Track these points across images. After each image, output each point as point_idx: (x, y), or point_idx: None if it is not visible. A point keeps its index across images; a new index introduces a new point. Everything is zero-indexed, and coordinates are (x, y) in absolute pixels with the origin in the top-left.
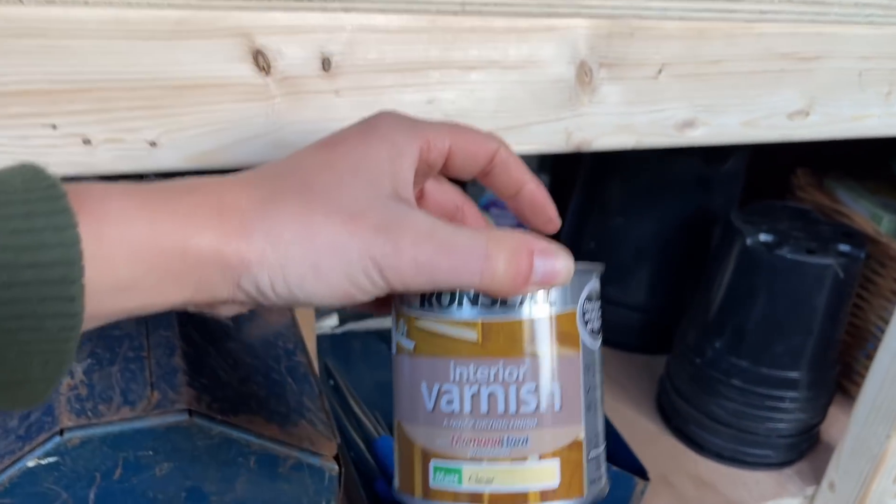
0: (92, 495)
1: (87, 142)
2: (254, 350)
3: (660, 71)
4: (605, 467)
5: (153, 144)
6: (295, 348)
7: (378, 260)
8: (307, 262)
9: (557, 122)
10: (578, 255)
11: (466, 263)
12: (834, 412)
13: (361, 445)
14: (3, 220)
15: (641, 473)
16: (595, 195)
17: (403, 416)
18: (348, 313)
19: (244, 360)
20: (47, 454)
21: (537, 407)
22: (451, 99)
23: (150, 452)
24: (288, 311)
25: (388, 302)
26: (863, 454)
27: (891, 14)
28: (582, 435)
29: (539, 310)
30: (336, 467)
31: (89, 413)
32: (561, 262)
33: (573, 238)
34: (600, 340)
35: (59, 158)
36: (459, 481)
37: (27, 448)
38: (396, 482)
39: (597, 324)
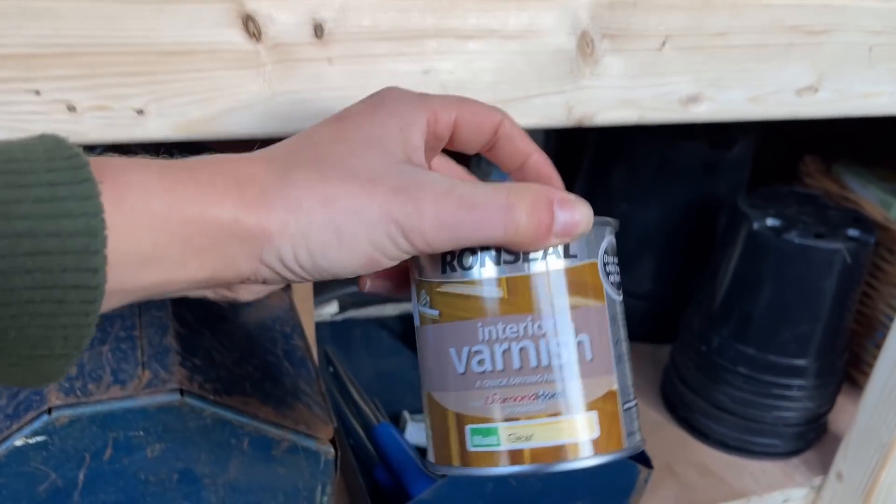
0: (81, 476)
1: (71, 109)
2: (250, 333)
3: (664, 43)
4: (638, 421)
5: (140, 112)
6: (292, 332)
7: (400, 220)
8: (329, 228)
9: (558, 95)
10: None
11: (490, 216)
12: (842, 402)
13: (361, 433)
14: (26, 189)
15: (645, 461)
16: (599, 182)
17: (433, 386)
18: (348, 300)
19: (239, 342)
20: (35, 433)
21: (569, 359)
22: (448, 69)
23: (141, 433)
24: (286, 295)
25: (406, 282)
26: (871, 443)
27: None
28: (615, 385)
29: (562, 262)
30: (332, 451)
31: (78, 392)
32: (581, 211)
33: None
34: (622, 295)
35: (43, 126)
36: (498, 442)
37: (15, 427)
38: (431, 456)
39: (617, 278)
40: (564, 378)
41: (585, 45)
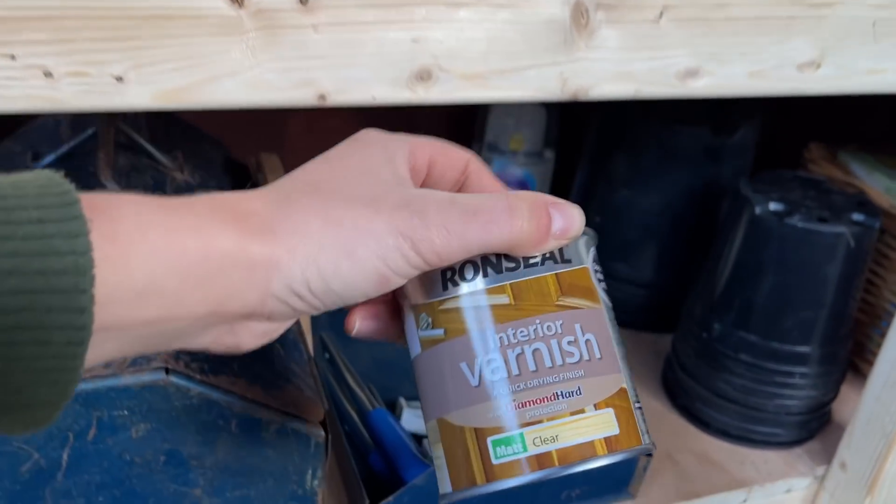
0: (65, 456)
1: (48, 74)
2: None
3: (661, 14)
4: (647, 423)
5: (119, 79)
6: None
7: (408, 234)
8: (339, 248)
9: (552, 67)
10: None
11: (495, 221)
12: (846, 391)
13: (356, 419)
14: (15, 226)
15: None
16: (600, 168)
17: (445, 409)
18: None
19: None
20: None
21: (580, 357)
22: (438, 38)
23: (126, 412)
24: None
25: (393, 322)
26: (876, 433)
27: None
28: (625, 383)
29: (560, 266)
30: (323, 433)
31: None
32: (573, 213)
33: None
34: (611, 303)
35: (19, 92)
36: (524, 448)
37: None
38: (447, 486)
39: (605, 285)
40: (580, 376)
41: (580, 15)
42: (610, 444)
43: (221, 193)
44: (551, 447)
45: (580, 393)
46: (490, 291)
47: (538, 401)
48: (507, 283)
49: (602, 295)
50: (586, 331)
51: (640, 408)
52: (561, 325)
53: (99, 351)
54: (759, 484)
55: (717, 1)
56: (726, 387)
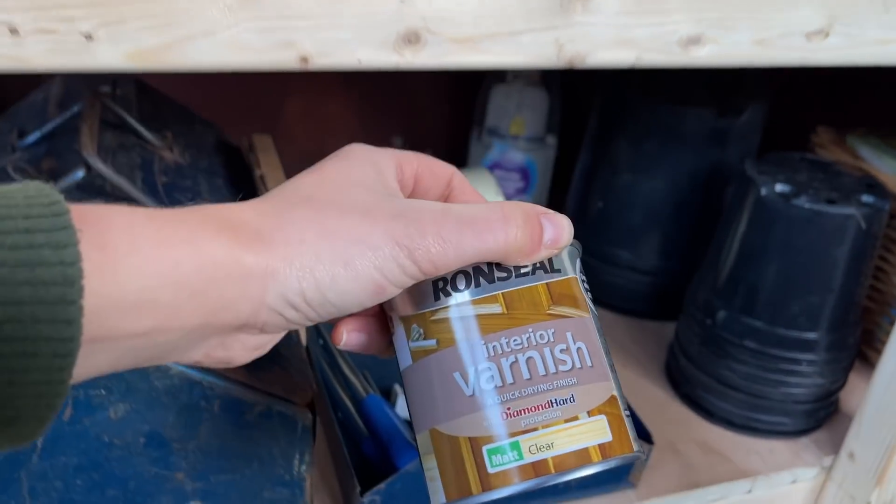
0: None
1: (14, 31)
2: None
3: None
4: (633, 428)
5: (89, 38)
6: None
7: (405, 243)
8: (335, 258)
9: (547, 32)
10: (586, 215)
11: (489, 229)
12: (854, 380)
13: (350, 406)
14: (2, 235)
15: (645, 437)
16: (603, 152)
17: (437, 419)
18: None
19: None
20: None
21: (573, 365)
22: None
23: (103, 391)
24: None
25: (380, 335)
26: (885, 422)
27: None
28: (615, 391)
29: (549, 276)
30: (310, 416)
31: None
32: (563, 223)
33: (580, 198)
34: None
35: None
36: (520, 456)
37: None
38: (441, 496)
39: (591, 295)
40: (573, 383)
41: None
42: (604, 450)
43: (213, 205)
44: (547, 454)
45: (573, 400)
46: (482, 301)
47: (533, 409)
48: (499, 292)
49: (589, 305)
50: (577, 339)
51: (629, 415)
52: (553, 333)
53: (88, 364)
54: (764, 474)
55: None
56: (731, 374)
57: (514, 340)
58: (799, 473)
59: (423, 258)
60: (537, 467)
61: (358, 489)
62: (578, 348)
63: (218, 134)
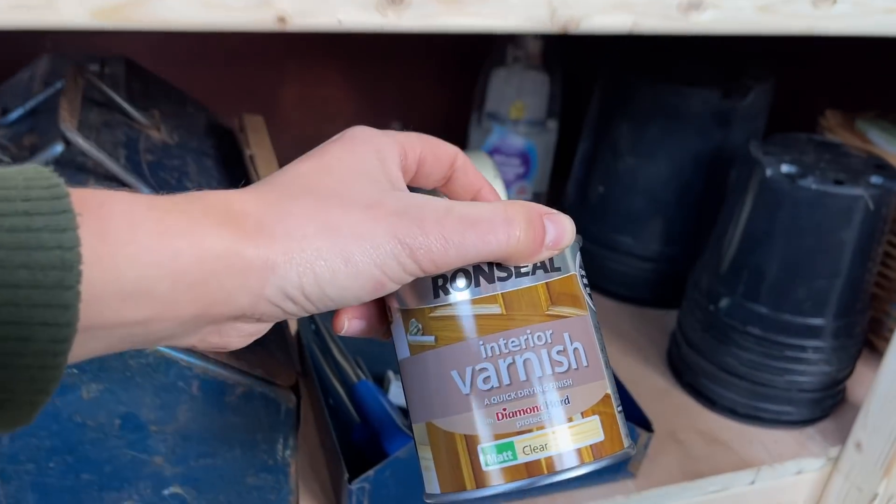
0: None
1: None
2: None
3: None
4: (626, 423)
5: None
6: None
7: (407, 241)
8: (337, 254)
9: None
10: (587, 201)
11: (492, 230)
12: (862, 369)
13: (341, 392)
14: (0, 217)
15: (644, 425)
16: (604, 135)
17: (434, 414)
18: None
19: None
20: None
21: (569, 366)
22: None
23: (75, 370)
24: None
25: (379, 322)
26: (893, 411)
27: None
28: (609, 389)
29: (549, 275)
30: (294, 399)
31: None
32: (565, 223)
33: (581, 183)
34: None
35: None
36: (514, 456)
37: None
38: (435, 487)
39: (589, 290)
40: (568, 385)
41: None
42: (596, 450)
43: (213, 192)
44: (540, 455)
45: (568, 402)
46: (482, 301)
47: (528, 410)
48: (499, 292)
49: (588, 301)
50: (574, 339)
51: (621, 412)
52: (551, 334)
53: (83, 348)
54: (768, 464)
55: None
56: (734, 362)
57: (512, 342)
58: (804, 464)
59: (425, 257)
60: (530, 468)
61: (346, 476)
62: (575, 349)
63: (210, 116)
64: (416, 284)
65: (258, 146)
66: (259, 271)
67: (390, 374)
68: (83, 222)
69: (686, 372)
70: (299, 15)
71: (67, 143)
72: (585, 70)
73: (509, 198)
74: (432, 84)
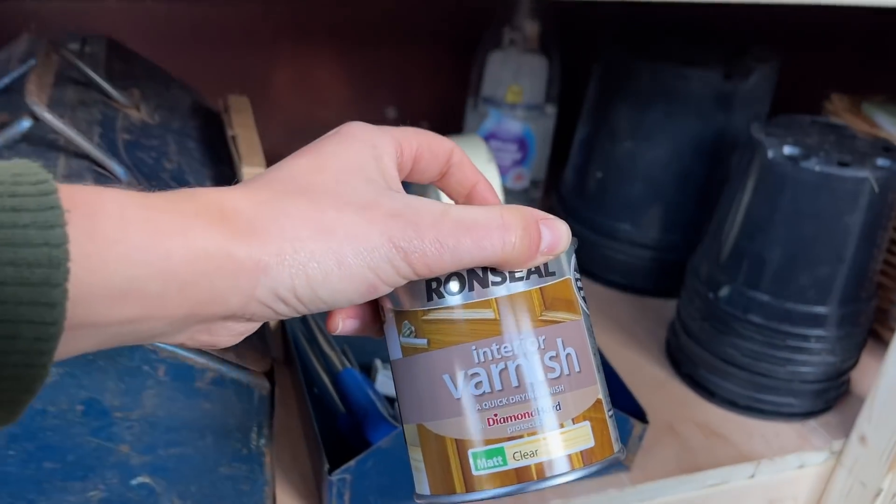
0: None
1: None
2: None
3: None
4: (617, 427)
5: None
6: None
7: (401, 245)
8: (330, 256)
9: None
10: (585, 187)
11: (488, 236)
12: (867, 360)
13: (327, 381)
14: None
15: (639, 416)
16: (603, 119)
17: (425, 416)
18: None
19: None
20: None
21: (561, 372)
22: None
23: None
24: None
25: (373, 320)
26: None
27: None
28: (601, 394)
29: (543, 280)
30: (267, 385)
31: None
32: (561, 229)
33: (579, 169)
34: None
35: None
36: (504, 461)
37: None
38: (425, 488)
39: (583, 292)
40: (559, 391)
41: None
42: (586, 456)
43: (206, 189)
44: (531, 462)
45: (560, 408)
46: (475, 306)
47: (520, 416)
48: (493, 298)
49: (581, 304)
50: (567, 345)
51: (612, 416)
52: (544, 340)
53: (70, 347)
54: (769, 458)
55: None
56: (734, 352)
57: (505, 347)
58: (806, 458)
59: (419, 261)
60: (520, 473)
61: (326, 467)
62: (568, 354)
63: (196, 97)
64: (410, 287)
65: (241, 127)
66: (250, 272)
67: (378, 362)
68: (72, 219)
69: (685, 362)
70: None
71: (35, 118)
72: (585, 54)
73: (504, 183)
74: (427, 67)
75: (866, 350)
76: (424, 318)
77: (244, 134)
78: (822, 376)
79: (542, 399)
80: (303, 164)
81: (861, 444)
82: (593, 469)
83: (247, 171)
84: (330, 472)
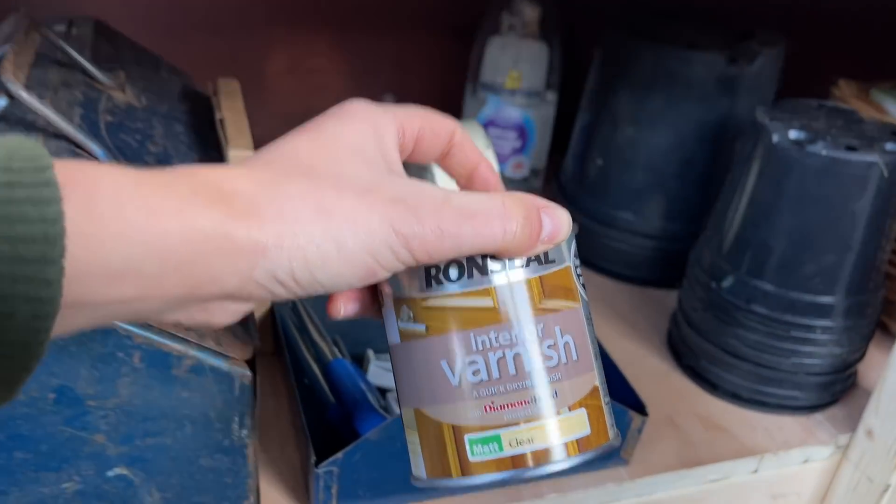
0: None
1: None
2: None
3: None
4: (613, 411)
5: None
6: None
7: (402, 231)
8: (329, 240)
9: None
10: (585, 175)
11: (489, 224)
12: (874, 353)
13: (317, 372)
14: None
15: (639, 408)
16: (603, 104)
17: (422, 401)
18: None
19: None
20: None
21: (559, 360)
22: None
23: None
24: None
25: (373, 303)
26: None
27: None
28: (598, 381)
29: (543, 268)
30: (248, 374)
31: None
32: (562, 217)
33: (579, 157)
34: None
35: None
36: (500, 448)
37: None
38: (422, 471)
39: (582, 279)
40: (557, 379)
41: None
42: (581, 444)
43: (205, 168)
44: (526, 449)
45: (556, 396)
46: (474, 294)
47: (517, 404)
48: (492, 286)
49: (580, 291)
50: (565, 333)
51: (608, 402)
52: (542, 329)
53: (65, 325)
54: (772, 452)
55: None
56: (737, 343)
57: (503, 336)
58: (811, 452)
59: (419, 247)
60: (516, 460)
61: (313, 459)
62: (566, 343)
63: (187, 81)
64: (409, 272)
65: (229, 110)
66: (249, 255)
67: (370, 353)
68: (67, 196)
69: (686, 354)
70: None
71: (11, 97)
72: (586, 40)
73: (503, 172)
74: (425, 53)
75: (873, 342)
76: (423, 304)
77: (232, 117)
78: (828, 368)
79: (539, 387)
80: (303, 144)
81: (868, 438)
82: (589, 456)
83: (233, 153)
84: (317, 464)
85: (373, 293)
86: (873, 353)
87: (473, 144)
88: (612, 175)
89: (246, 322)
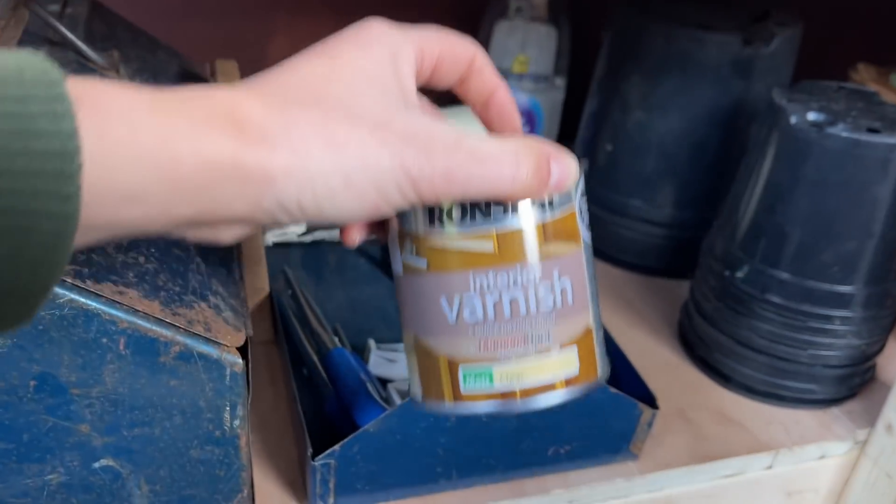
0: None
1: None
2: None
3: None
4: (604, 347)
5: None
6: None
7: (411, 171)
8: (338, 174)
9: None
10: (594, 161)
11: (498, 171)
12: (894, 346)
13: (317, 362)
14: None
15: (649, 401)
16: (613, 88)
17: (422, 331)
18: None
19: None
20: None
21: (554, 303)
22: None
23: None
24: None
25: (384, 225)
26: None
27: None
28: (591, 322)
29: (547, 213)
30: (240, 362)
31: None
32: (570, 164)
33: (588, 143)
34: (591, 230)
35: None
36: (491, 381)
37: None
38: (418, 394)
39: (587, 215)
40: (551, 321)
41: None
42: (570, 382)
43: (220, 90)
44: (515, 385)
45: (548, 337)
46: (476, 236)
47: (509, 342)
48: (494, 231)
49: (583, 233)
50: (563, 276)
51: (601, 340)
52: (539, 274)
53: (78, 241)
54: (788, 447)
55: None
56: (751, 334)
57: (501, 279)
58: (828, 448)
59: (427, 188)
60: (505, 395)
61: (309, 451)
62: (563, 288)
63: (185, 63)
64: (415, 209)
65: None
66: (258, 183)
67: (371, 342)
68: (81, 116)
69: (698, 345)
70: None
71: None
72: (596, 25)
73: None
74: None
75: (894, 333)
76: (426, 242)
77: None
78: (847, 361)
79: (533, 329)
80: (317, 70)
81: (888, 433)
82: (576, 393)
83: None
84: (313, 456)
85: (383, 221)
86: (893, 346)
87: (492, 69)
88: (622, 161)
89: (239, 307)
